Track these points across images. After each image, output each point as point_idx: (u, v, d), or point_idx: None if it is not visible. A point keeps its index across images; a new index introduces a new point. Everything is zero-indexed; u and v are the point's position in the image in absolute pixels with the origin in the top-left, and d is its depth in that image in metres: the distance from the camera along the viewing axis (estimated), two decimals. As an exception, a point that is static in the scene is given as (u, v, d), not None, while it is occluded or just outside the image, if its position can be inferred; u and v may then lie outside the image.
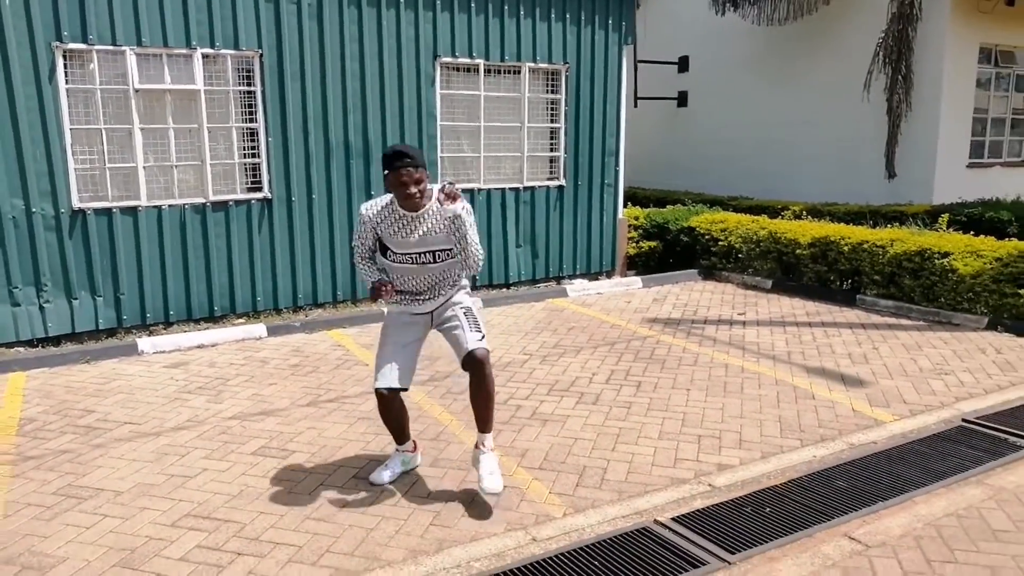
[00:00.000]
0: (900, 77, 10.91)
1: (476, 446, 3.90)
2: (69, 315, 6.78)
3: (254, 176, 7.55)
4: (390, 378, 3.81)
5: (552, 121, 9.17)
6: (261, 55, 7.30)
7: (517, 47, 8.68)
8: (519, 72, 8.79)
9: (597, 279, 9.54)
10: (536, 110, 9.05)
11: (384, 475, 4.07)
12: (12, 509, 3.77)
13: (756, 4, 12.39)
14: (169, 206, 7.11)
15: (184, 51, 6.97)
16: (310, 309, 7.91)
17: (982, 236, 7.57)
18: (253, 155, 7.48)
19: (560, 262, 9.40)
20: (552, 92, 9.10)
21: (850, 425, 4.76)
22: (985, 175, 11.65)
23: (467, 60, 8.41)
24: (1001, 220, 9.18)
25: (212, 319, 7.44)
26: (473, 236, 3.72)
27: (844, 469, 4.15)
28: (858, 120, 11.62)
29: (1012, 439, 4.49)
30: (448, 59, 8.29)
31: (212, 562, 3.31)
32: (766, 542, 3.40)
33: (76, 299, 6.79)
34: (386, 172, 3.61)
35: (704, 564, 3.24)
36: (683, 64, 15.28)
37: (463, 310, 3.88)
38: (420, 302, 3.88)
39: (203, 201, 7.25)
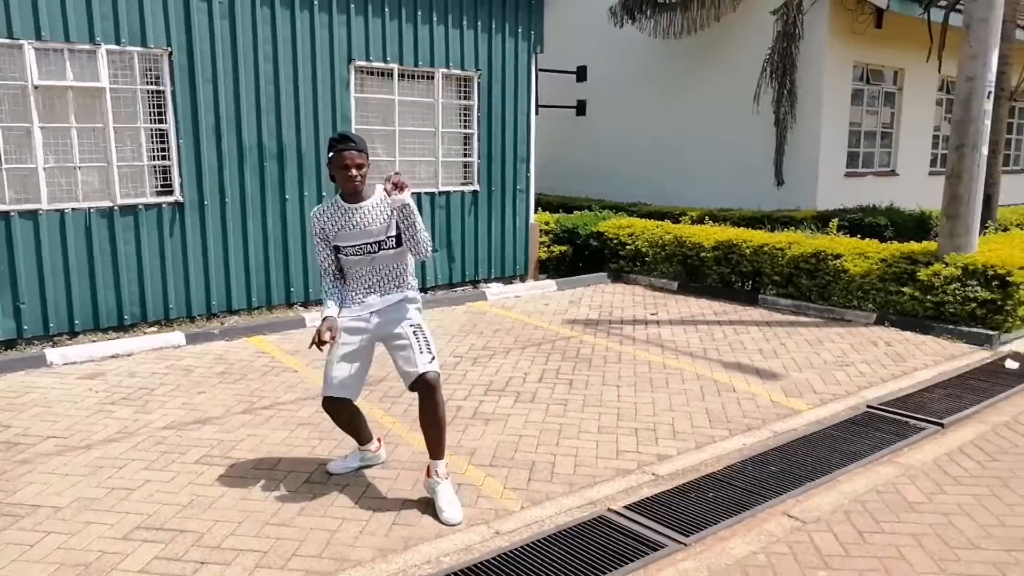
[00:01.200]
0: (785, 91, 11.68)
1: (428, 473, 3.81)
2: (-37, 326, 6.33)
3: (164, 179, 7.27)
4: (333, 387, 3.85)
5: (465, 127, 9.29)
6: (171, 53, 7.06)
7: (431, 53, 8.75)
8: (432, 78, 8.86)
9: (511, 283, 9.72)
10: (449, 116, 9.14)
11: (337, 466, 4.18)
12: (-60, 531, 3.54)
13: (653, 18, 12.94)
14: (73, 209, 6.76)
15: (87, 46, 6.65)
16: (225, 316, 7.69)
17: (867, 239, 8.23)
18: (162, 157, 7.21)
19: (476, 266, 9.52)
20: (465, 98, 9.22)
21: (771, 415, 5.11)
22: (860, 183, 12.62)
23: (381, 64, 8.41)
24: (879, 224, 10.00)
25: (121, 328, 7.11)
26: (420, 222, 3.75)
27: (772, 454, 4.47)
28: (749, 131, 12.35)
29: (913, 422, 4.96)
30: (363, 63, 8.27)
31: (175, 572, 3.23)
32: (715, 523, 3.64)
33: (-30, 309, 6.35)
34: (330, 155, 3.69)
35: (663, 547, 3.44)
36: (581, 74, 15.71)
37: (412, 328, 3.81)
38: (363, 302, 3.87)
39: (110, 205, 6.93)
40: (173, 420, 4.91)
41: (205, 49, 7.23)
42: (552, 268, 10.36)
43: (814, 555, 3.38)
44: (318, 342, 3.64)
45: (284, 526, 3.61)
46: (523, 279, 9.93)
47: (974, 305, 6.92)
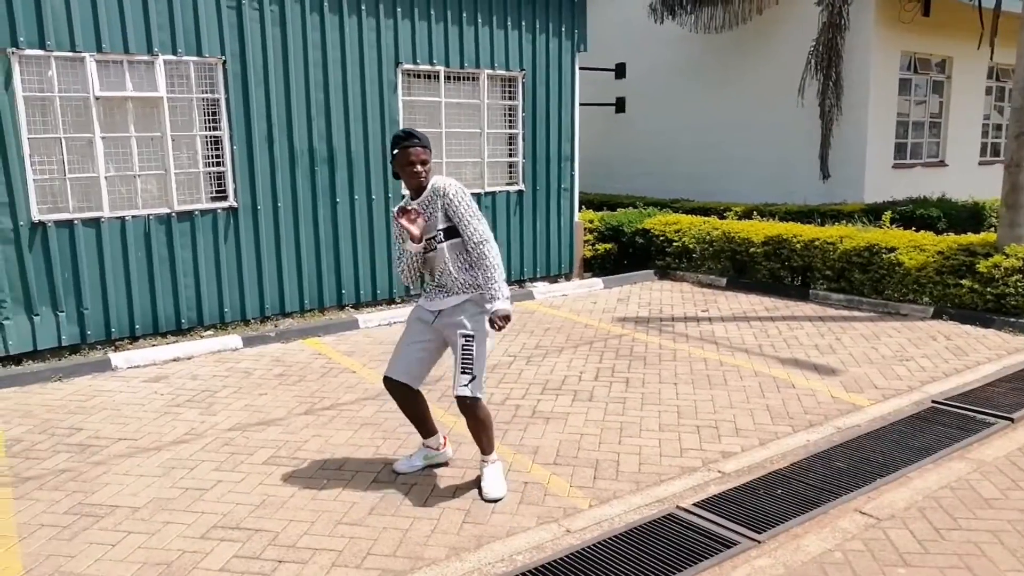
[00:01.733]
0: (831, 83, 11.52)
1: (481, 460, 4.03)
2: (31, 332, 6.51)
3: (219, 185, 7.41)
4: (392, 368, 4.00)
5: (510, 127, 9.32)
6: (224, 62, 7.19)
7: (476, 54, 8.79)
8: (477, 79, 8.90)
9: (556, 281, 9.72)
10: (495, 116, 9.17)
11: (403, 465, 4.23)
12: (27, 531, 3.65)
13: (694, 13, 12.85)
14: (132, 217, 6.92)
15: (146, 57, 6.81)
16: (278, 319, 7.81)
17: (919, 231, 8.08)
18: (217, 163, 7.35)
19: (521, 265, 9.54)
20: (510, 99, 9.25)
21: (832, 411, 5.05)
22: (908, 175, 12.39)
23: (428, 67, 8.47)
24: (931, 216, 9.81)
25: (179, 332, 7.27)
26: (468, 216, 3.73)
27: (838, 451, 4.41)
28: (793, 124, 12.20)
29: (980, 416, 4.87)
30: (409, 66, 8.33)
31: (255, 571, 3.30)
32: (787, 520, 3.61)
33: (37, 315, 6.53)
34: (395, 152, 3.74)
35: (736, 544, 3.42)
36: (620, 71, 15.65)
37: (464, 340, 3.79)
38: (430, 295, 3.95)
39: (168, 211, 7.08)
40: (238, 422, 5.01)
41: (257, 57, 7.35)
42: (597, 266, 10.34)
43: (891, 552, 3.34)
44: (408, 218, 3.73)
45: (356, 525, 3.67)
46: (568, 278, 9.93)
47: (1037, 297, 6.76)
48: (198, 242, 7.28)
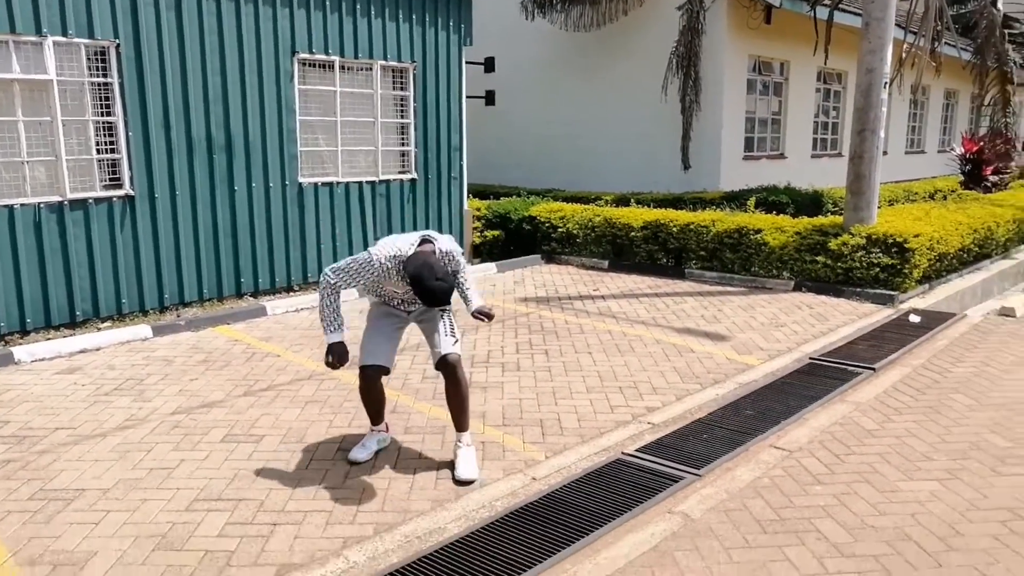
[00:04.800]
0: (691, 81, 12.54)
1: (456, 443, 4.14)
2: (-88, 328, 6.09)
3: (113, 172, 7.17)
4: (376, 356, 4.02)
5: (402, 117, 9.53)
6: (118, 45, 6.97)
7: (369, 45, 8.94)
8: (371, 69, 9.05)
9: (449, 267, 10.03)
10: (387, 106, 9.36)
11: (361, 453, 4.25)
12: (-5, 518, 3.59)
13: (564, 11, 13.51)
14: (21, 205, 6.59)
15: (34, 38, 6.50)
16: (178, 308, 7.65)
17: (781, 215, 9.10)
18: (111, 150, 7.11)
19: (416, 252, 9.77)
20: (401, 89, 9.46)
21: (731, 370, 5.75)
22: (756, 166, 13.70)
23: (323, 56, 8.53)
24: (781, 202, 10.98)
25: (73, 324, 6.98)
26: (466, 277, 4.15)
27: (744, 401, 5.08)
28: (656, 118, 13.15)
29: (851, 368, 5.72)
30: (306, 55, 8.37)
31: (253, 534, 3.46)
32: (718, 458, 4.19)
33: (-81, 310, 6.11)
34: (416, 285, 3.62)
35: (682, 479, 3.96)
36: (489, 64, 16.05)
37: (440, 311, 4.04)
38: (402, 308, 4.13)
39: (59, 199, 6.79)
40: (178, 405, 5.02)
41: (152, 41, 7.17)
42: (486, 252, 10.76)
43: (806, 475, 3.99)
44: (332, 363, 3.91)
45: (338, 488, 3.89)
46: (460, 264, 10.27)
47: (877, 270, 7.86)
48: (93, 231, 7.02)
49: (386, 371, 4.09)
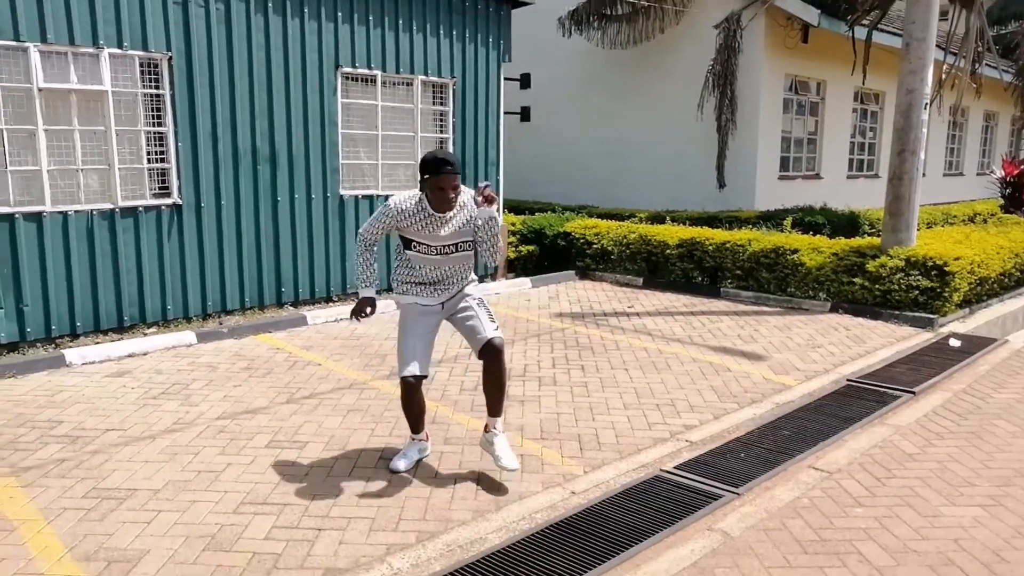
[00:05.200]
0: (727, 100, 12.55)
1: (487, 429, 4.21)
2: (-32, 329, 6.30)
3: (162, 181, 7.37)
4: (415, 366, 4.08)
5: (441, 132, 9.67)
6: (170, 58, 7.18)
7: (411, 60, 9.10)
8: (412, 84, 9.20)
9: (483, 280, 10.13)
10: (427, 121, 9.50)
11: (402, 463, 4.31)
12: (51, 515, 3.71)
13: (600, 29, 13.62)
14: (75, 212, 6.80)
15: (91, 50, 6.73)
16: (220, 316, 7.82)
17: (817, 236, 9.07)
18: (160, 160, 7.31)
19: (451, 265, 9.88)
20: (441, 104, 9.60)
21: (768, 389, 5.75)
22: (791, 186, 13.64)
23: (365, 71, 8.70)
24: (817, 223, 10.93)
25: (120, 329, 7.17)
26: (500, 233, 4.18)
27: (782, 421, 5.08)
28: (691, 137, 13.17)
29: (889, 391, 5.69)
30: (348, 69, 8.55)
31: (298, 538, 3.54)
32: (756, 477, 4.20)
33: (-25, 312, 6.32)
34: (426, 176, 3.92)
35: (721, 496, 3.97)
36: (525, 81, 16.21)
37: (476, 301, 4.23)
38: (433, 293, 4.16)
39: (111, 207, 6.99)
40: (224, 411, 5.13)
41: (203, 54, 7.38)
42: (520, 267, 10.83)
43: (847, 497, 3.99)
44: (357, 313, 4.16)
45: (381, 496, 3.96)
46: (493, 278, 10.36)
47: (916, 293, 7.80)
48: (142, 239, 7.22)
49: (425, 378, 4.16)
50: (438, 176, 3.89)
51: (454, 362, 6.28)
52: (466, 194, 4.09)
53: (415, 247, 4.11)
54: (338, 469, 4.27)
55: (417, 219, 4.03)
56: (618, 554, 3.40)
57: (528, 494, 4.01)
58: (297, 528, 3.63)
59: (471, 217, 4.08)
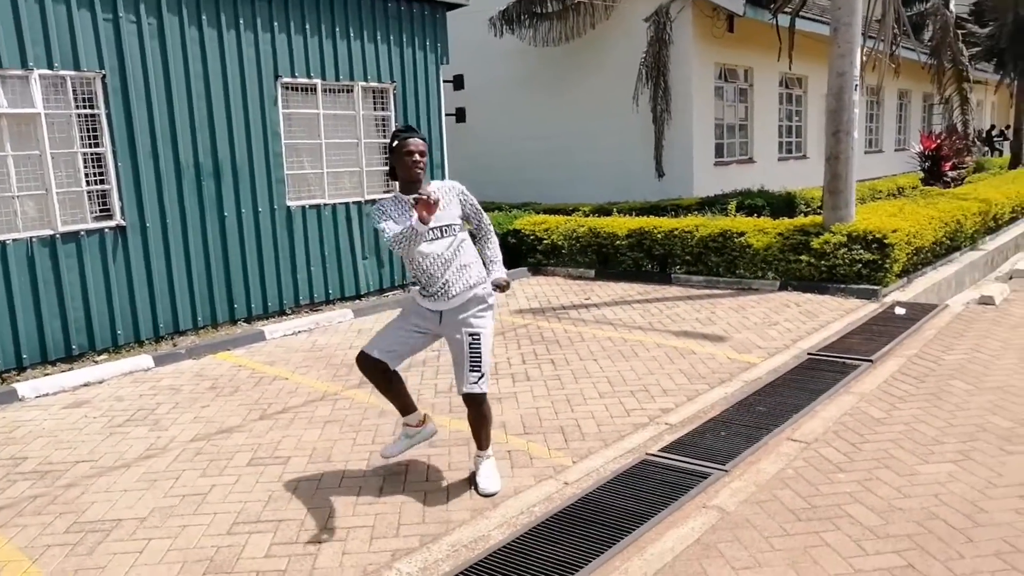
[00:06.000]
0: (661, 91, 12.81)
1: (475, 456, 4.18)
2: (-92, 370, 5.98)
3: (103, 203, 7.13)
4: (375, 347, 4.01)
5: (384, 136, 9.59)
6: (104, 76, 6.95)
7: (350, 67, 9.01)
8: (352, 91, 9.12)
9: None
10: (369, 127, 9.42)
11: (391, 449, 4.30)
12: (36, 553, 3.57)
13: (532, 27, 13.72)
14: (13, 240, 6.52)
15: (20, 72, 6.46)
16: (174, 337, 7.60)
17: (762, 217, 9.33)
18: (100, 181, 7.07)
19: (403, 271, 9.83)
20: (383, 109, 9.54)
21: (734, 369, 5.91)
22: (726, 171, 14.01)
23: (306, 80, 8.58)
24: (757, 205, 11.26)
25: (69, 359, 6.89)
26: (478, 207, 4.06)
27: (753, 398, 5.23)
28: (629, 129, 13.39)
29: (848, 361, 5.92)
30: (288, 79, 8.41)
31: (300, 553, 3.49)
32: (740, 453, 4.32)
33: (-86, 351, 6.00)
34: (394, 144, 3.87)
35: (710, 474, 4.07)
36: (458, 82, 16.22)
37: (470, 339, 3.90)
38: (435, 298, 3.94)
39: (51, 233, 6.72)
40: (196, 433, 5.01)
41: (137, 71, 7.16)
42: (471, 268, 10.81)
43: (827, 464, 4.14)
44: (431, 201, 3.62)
45: (375, 503, 3.93)
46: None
47: (860, 266, 8.12)
48: (85, 263, 6.96)
49: (382, 365, 4.03)
50: (403, 141, 3.86)
51: (423, 365, 6.26)
52: (445, 181, 4.05)
53: (416, 252, 3.99)
54: (327, 481, 4.22)
55: (398, 212, 3.91)
56: (622, 538, 3.46)
57: (522, 488, 4.04)
58: (296, 543, 3.57)
59: (455, 201, 3.97)
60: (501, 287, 4.03)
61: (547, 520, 3.69)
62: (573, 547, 3.41)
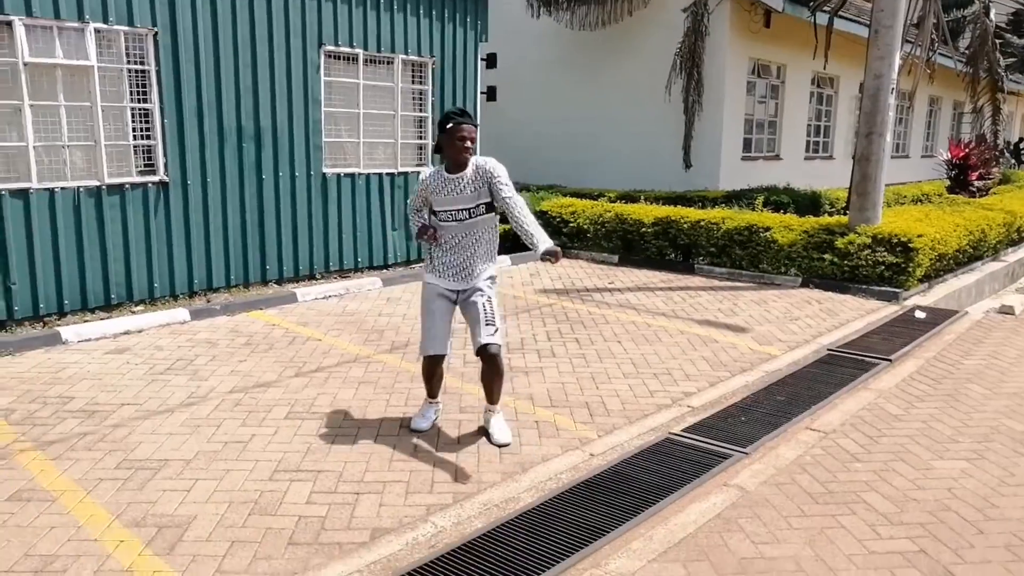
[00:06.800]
0: (694, 82, 12.85)
1: (486, 410, 4.50)
2: (-43, 308, 6.20)
3: (148, 158, 7.31)
4: (436, 346, 4.34)
5: (420, 110, 9.72)
6: (156, 33, 7.10)
7: (391, 39, 9.12)
8: (392, 63, 9.24)
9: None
10: (406, 100, 9.55)
11: (423, 423, 4.56)
12: (88, 485, 3.77)
13: (569, 10, 13.76)
14: (62, 189, 6.71)
15: (76, 24, 6.62)
16: (206, 294, 7.80)
17: (787, 214, 9.43)
18: (146, 137, 7.25)
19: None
20: (420, 83, 9.66)
21: (755, 359, 6.05)
22: (753, 166, 14.07)
23: (348, 49, 8.71)
24: (782, 202, 11.34)
25: (108, 307, 7.11)
26: (511, 189, 4.17)
27: (774, 387, 5.37)
28: (659, 118, 13.45)
29: (867, 359, 6.04)
30: (331, 47, 8.54)
31: (339, 502, 3.68)
32: (760, 438, 4.47)
33: (-37, 290, 6.22)
34: (448, 126, 4.07)
35: (731, 456, 4.23)
36: (491, 60, 16.26)
37: (483, 300, 4.26)
38: (452, 277, 4.27)
39: (98, 184, 6.92)
40: (235, 385, 5.20)
41: (188, 30, 7.31)
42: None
43: (845, 454, 4.29)
44: (421, 234, 4.25)
45: (409, 461, 4.11)
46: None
47: (883, 268, 8.21)
48: (128, 216, 7.16)
49: (441, 356, 4.40)
50: (458, 126, 4.07)
51: (451, 336, 6.41)
52: (485, 160, 4.20)
53: (439, 214, 4.24)
54: (362, 437, 4.41)
55: (438, 185, 4.19)
56: (646, 508, 3.63)
57: (550, 456, 4.21)
58: (335, 492, 3.76)
59: (484, 183, 4.16)
60: (554, 255, 4.07)
61: (574, 487, 3.86)
62: (600, 513, 3.58)
